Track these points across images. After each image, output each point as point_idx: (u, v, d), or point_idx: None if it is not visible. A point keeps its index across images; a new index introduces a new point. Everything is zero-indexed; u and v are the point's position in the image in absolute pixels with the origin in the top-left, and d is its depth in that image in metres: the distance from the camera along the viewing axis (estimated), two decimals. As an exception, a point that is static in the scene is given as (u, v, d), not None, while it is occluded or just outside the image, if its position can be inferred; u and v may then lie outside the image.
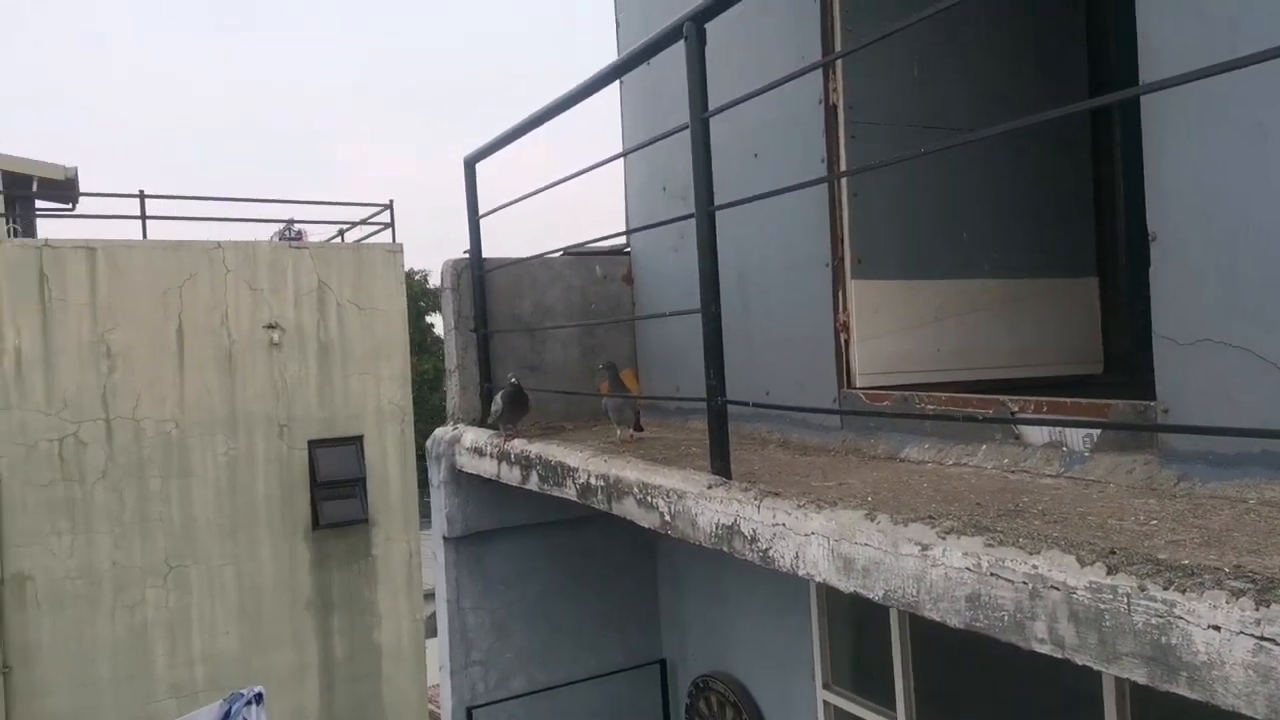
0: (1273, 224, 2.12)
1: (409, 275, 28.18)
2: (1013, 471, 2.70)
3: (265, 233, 12.49)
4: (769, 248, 3.82)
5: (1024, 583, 1.59)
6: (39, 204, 14.40)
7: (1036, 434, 2.77)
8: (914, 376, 3.60)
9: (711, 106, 2.74)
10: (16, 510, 9.76)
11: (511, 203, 4.16)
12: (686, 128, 2.75)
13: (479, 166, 4.34)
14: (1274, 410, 2.13)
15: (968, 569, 1.70)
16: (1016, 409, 2.82)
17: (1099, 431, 2.59)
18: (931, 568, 1.77)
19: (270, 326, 11.24)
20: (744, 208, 3.99)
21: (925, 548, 1.79)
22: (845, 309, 3.51)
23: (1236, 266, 2.21)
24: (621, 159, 4.98)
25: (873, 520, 1.94)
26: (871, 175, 3.51)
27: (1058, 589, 1.54)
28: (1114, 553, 1.56)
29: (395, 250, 12.38)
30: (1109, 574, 1.48)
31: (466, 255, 4.37)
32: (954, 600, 1.73)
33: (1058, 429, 2.72)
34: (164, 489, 10.44)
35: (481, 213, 4.33)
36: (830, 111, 3.54)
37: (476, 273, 4.30)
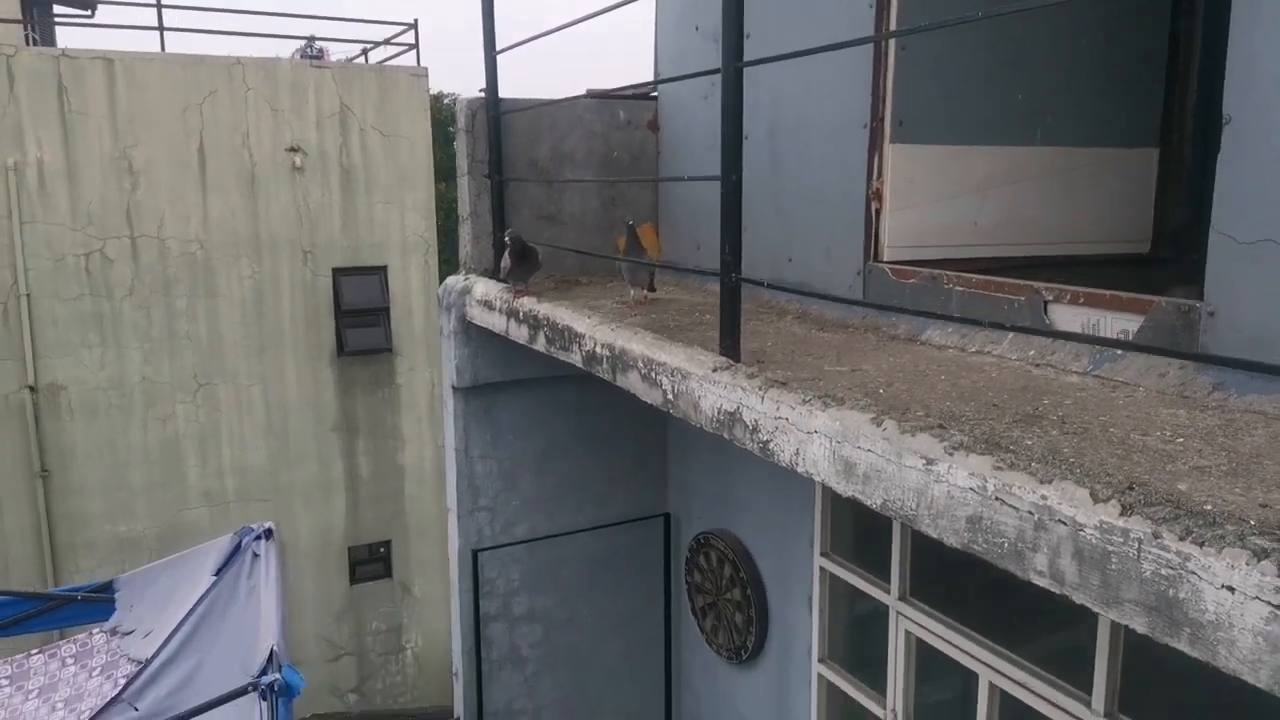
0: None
1: (437, 99, 27.27)
2: (1038, 365, 2.57)
3: (285, 50, 12.00)
4: (804, 102, 3.55)
5: (1030, 512, 1.50)
6: (56, 10, 13.87)
7: (1069, 324, 2.61)
8: (948, 251, 3.40)
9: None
10: (46, 323, 9.93)
11: (532, 39, 3.88)
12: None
13: (498, -4, 4.01)
14: (1329, 327, 1.96)
15: (972, 490, 1.60)
16: (1050, 298, 2.65)
17: (1134, 327, 2.43)
18: (935, 483, 1.68)
19: (293, 149, 10.98)
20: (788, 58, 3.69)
21: (930, 462, 1.69)
22: (880, 175, 3.28)
23: (1318, 163, 1.98)
24: (653, -8, 4.61)
25: (879, 425, 1.84)
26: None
27: (1065, 524, 1.44)
28: (1131, 488, 1.45)
29: (420, 74, 11.89)
30: (1123, 514, 1.38)
31: (482, 94, 4.11)
32: (954, 519, 1.64)
33: (1091, 319, 2.57)
34: (190, 308, 10.54)
35: (499, 48, 4.04)
36: (884, -50, 3.18)
37: (492, 114, 4.06)
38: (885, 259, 3.29)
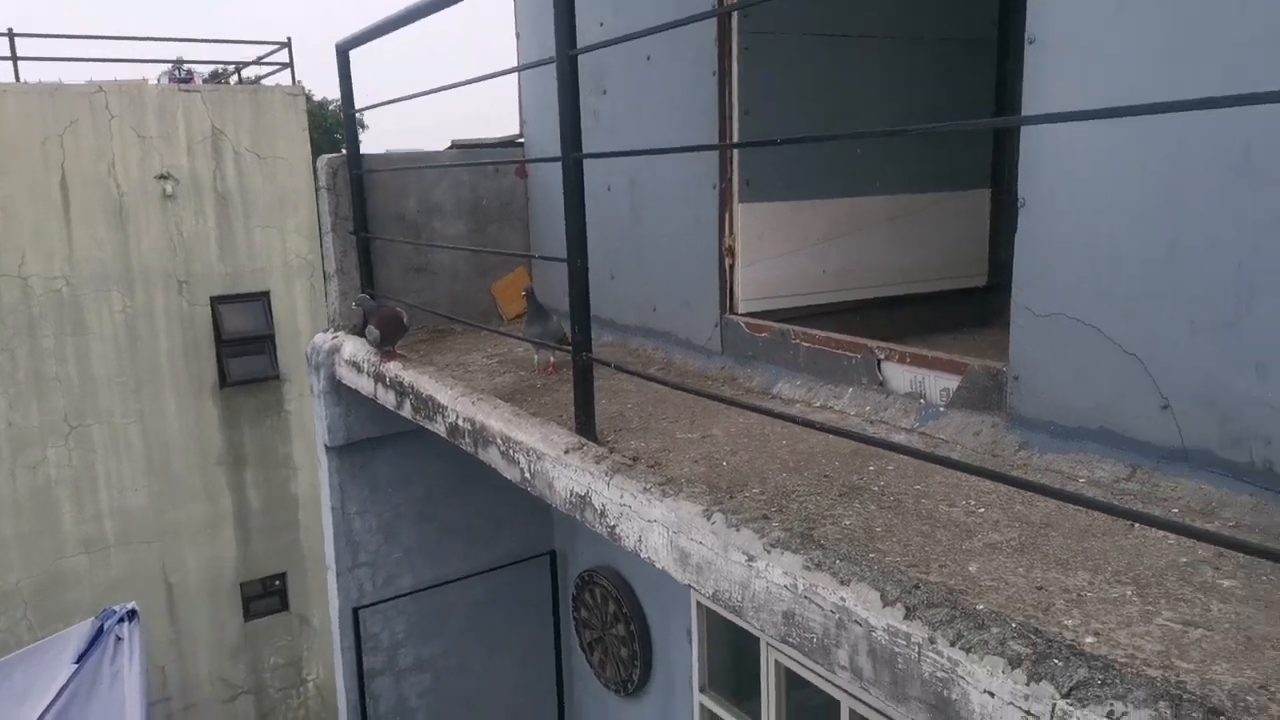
0: (1139, 206, 2.08)
1: (321, 106, 26.58)
2: (872, 421, 2.74)
3: (151, 75, 11.55)
4: (661, 161, 3.66)
5: (832, 612, 1.63)
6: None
7: (899, 382, 2.80)
8: (799, 299, 3.57)
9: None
10: (-101, 370, 9.34)
11: (391, 101, 3.87)
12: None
13: (354, 54, 3.99)
14: (1113, 391, 2.17)
15: (786, 588, 1.73)
16: (883, 356, 2.83)
17: (955, 386, 2.62)
18: (755, 579, 1.80)
19: (162, 177, 10.60)
20: (638, 115, 3.81)
21: (751, 559, 1.81)
22: (731, 233, 3.42)
23: (1100, 244, 2.18)
24: (515, 38, 4.66)
25: (709, 519, 1.95)
26: (764, 93, 3.34)
27: (860, 625, 1.58)
28: (918, 587, 1.59)
29: (296, 93, 11.62)
30: (906, 618, 1.52)
31: (343, 153, 4.09)
32: (772, 614, 1.77)
33: (918, 378, 2.75)
34: (58, 348, 10.06)
35: (358, 106, 4.03)
36: (723, 19, 3.31)
37: (354, 171, 4.04)
38: (740, 311, 3.43)
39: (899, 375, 2.78)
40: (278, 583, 11.47)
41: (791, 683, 3.55)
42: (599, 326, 4.15)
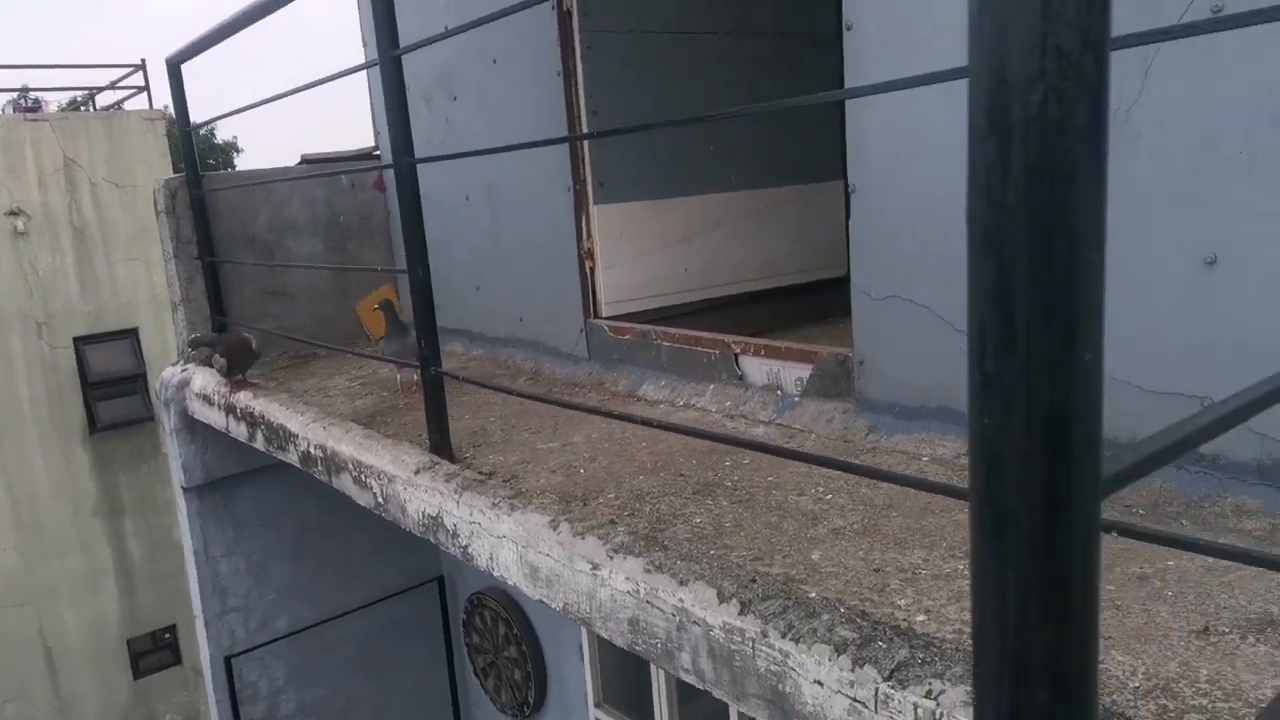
0: (956, 180, 2.11)
1: (196, 128, 25.60)
2: (732, 416, 2.73)
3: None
4: (515, 166, 3.58)
5: (673, 614, 1.59)
6: None
7: (756, 375, 2.80)
8: (663, 300, 3.55)
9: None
10: None
11: (227, 115, 3.70)
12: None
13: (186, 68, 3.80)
14: (947, 369, 2.20)
15: (629, 594, 1.68)
16: (739, 350, 2.82)
17: (807, 375, 2.63)
18: (600, 587, 1.75)
19: (13, 213, 9.96)
20: (489, 119, 3.73)
21: (595, 567, 1.76)
22: (589, 236, 3.37)
23: (924, 224, 2.21)
24: (362, 47, 4.52)
25: (555, 529, 1.89)
26: (610, 91, 3.31)
27: (699, 625, 1.54)
28: (754, 581, 1.56)
29: (154, 117, 11.09)
30: (740, 613, 1.49)
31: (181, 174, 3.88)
32: (619, 622, 1.72)
33: (773, 369, 2.76)
34: (-96, 402, 9.34)
35: (194, 123, 3.83)
36: (564, 18, 3.27)
37: (194, 192, 3.84)
38: (604, 315, 3.39)
39: (756, 369, 2.77)
40: (168, 635, 10.87)
41: (683, 692, 3.52)
42: (468, 340, 4.05)
